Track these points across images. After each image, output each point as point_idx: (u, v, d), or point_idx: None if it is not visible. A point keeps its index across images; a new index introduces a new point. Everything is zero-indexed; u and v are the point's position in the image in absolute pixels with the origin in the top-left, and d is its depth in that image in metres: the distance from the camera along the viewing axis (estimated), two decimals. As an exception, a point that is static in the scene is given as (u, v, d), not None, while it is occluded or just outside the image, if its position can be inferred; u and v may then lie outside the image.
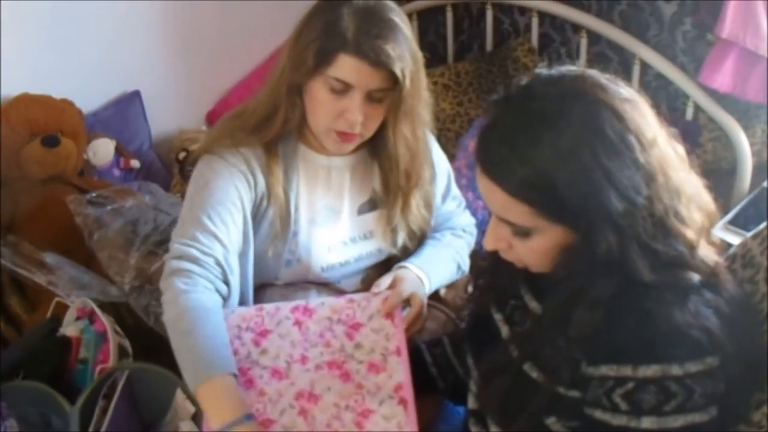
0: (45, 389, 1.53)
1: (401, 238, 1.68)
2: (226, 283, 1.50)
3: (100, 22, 2.41)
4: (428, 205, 1.70)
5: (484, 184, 1.13)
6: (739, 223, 2.08)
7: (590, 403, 1.13)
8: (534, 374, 1.19)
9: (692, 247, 1.12)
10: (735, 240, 1.76)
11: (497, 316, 1.35)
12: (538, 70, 1.16)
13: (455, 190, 1.82)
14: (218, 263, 1.47)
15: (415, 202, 1.65)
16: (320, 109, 1.48)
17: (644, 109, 1.11)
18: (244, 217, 1.54)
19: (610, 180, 1.04)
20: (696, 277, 1.11)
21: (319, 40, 1.43)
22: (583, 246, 1.10)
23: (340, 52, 1.41)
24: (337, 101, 1.45)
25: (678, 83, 2.32)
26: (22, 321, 1.99)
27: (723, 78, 2.19)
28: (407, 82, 1.44)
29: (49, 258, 1.94)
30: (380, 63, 1.40)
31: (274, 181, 1.55)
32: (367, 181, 1.66)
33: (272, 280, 1.67)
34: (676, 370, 1.05)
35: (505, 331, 1.32)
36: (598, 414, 1.12)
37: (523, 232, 1.13)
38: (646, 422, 1.07)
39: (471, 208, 2.02)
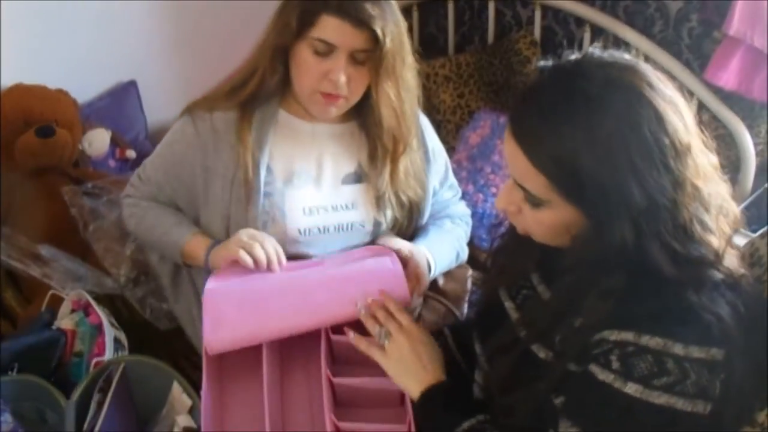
0: (40, 383, 1.52)
1: (389, 213, 1.69)
2: None
3: (95, 11, 2.38)
4: (418, 177, 1.71)
5: (509, 147, 1.13)
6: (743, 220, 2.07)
7: (588, 359, 1.13)
8: (542, 354, 1.19)
9: (717, 254, 1.11)
10: (737, 239, 1.75)
11: (508, 304, 1.34)
12: (591, 49, 1.14)
13: (452, 178, 1.86)
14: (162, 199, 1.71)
15: (403, 168, 1.67)
16: (305, 71, 1.53)
17: (685, 113, 1.09)
18: (196, 182, 1.65)
19: (636, 176, 1.04)
20: (718, 276, 1.10)
21: (301, 2, 1.48)
22: (595, 234, 1.09)
23: (323, 13, 1.46)
24: (322, 63, 1.50)
25: (682, 80, 2.30)
26: (17, 314, 1.97)
27: (729, 76, 2.18)
28: (388, 41, 1.48)
29: (44, 250, 1.93)
30: (362, 22, 1.46)
31: (242, 147, 1.59)
32: (353, 152, 1.69)
33: None
34: (678, 348, 1.05)
35: (516, 319, 1.32)
36: (591, 367, 1.11)
37: (535, 202, 1.14)
38: (631, 388, 1.07)
39: (471, 201, 2.03)
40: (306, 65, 1.52)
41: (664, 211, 1.06)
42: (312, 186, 1.65)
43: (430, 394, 1.28)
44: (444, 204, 1.83)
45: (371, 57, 1.51)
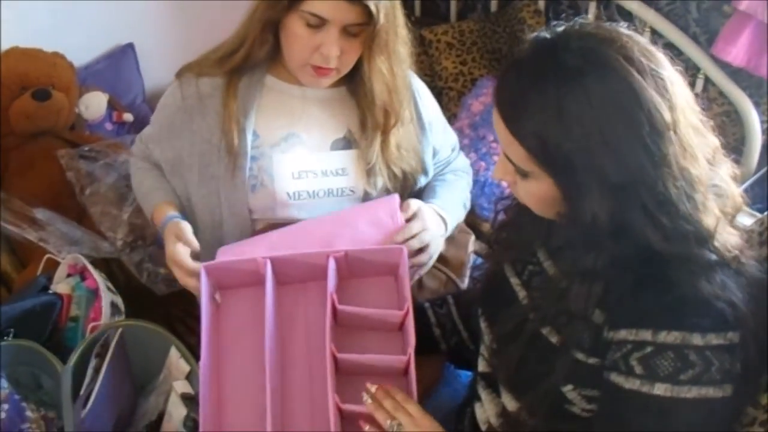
0: (36, 348, 1.50)
1: (380, 180, 1.68)
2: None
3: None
4: (411, 147, 1.70)
5: (495, 116, 1.13)
6: (746, 200, 2.06)
7: (608, 367, 1.12)
8: (554, 339, 1.18)
9: (708, 231, 1.09)
10: (742, 218, 1.74)
11: (514, 281, 1.33)
12: (579, 19, 1.13)
13: (452, 137, 1.86)
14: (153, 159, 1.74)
15: (395, 141, 1.65)
16: (296, 44, 1.51)
17: (673, 90, 1.06)
18: (183, 147, 1.65)
19: (608, 151, 1.03)
20: (712, 257, 1.09)
21: None
22: (570, 210, 1.10)
23: None
24: (313, 36, 1.49)
25: (689, 54, 2.28)
26: (12, 279, 1.97)
27: (737, 51, 2.15)
28: (381, 17, 1.46)
29: (40, 214, 1.93)
30: None
31: (226, 114, 1.59)
32: (342, 118, 1.67)
33: (247, 215, 1.65)
34: (697, 339, 1.04)
35: (522, 295, 1.30)
36: (613, 377, 1.11)
37: (521, 172, 1.13)
38: (659, 388, 1.06)
39: (473, 169, 2.01)
40: (297, 38, 1.50)
41: (644, 188, 1.04)
42: (300, 150, 1.64)
43: None
44: (446, 161, 1.84)
45: (364, 30, 1.49)
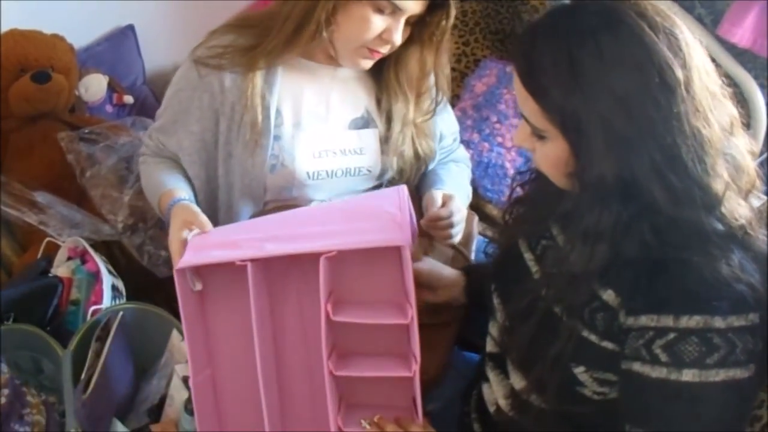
0: (36, 332, 1.49)
1: (396, 162, 1.69)
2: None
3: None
4: (430, 131, 1.73)
5: (513, 73, 1.14)
6: (761, 176, 2.04)
7: (629, 356, 1.11)
8: (565, 317, 1.17)
9: (717, 197, 1.08)
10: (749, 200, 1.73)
11: (527, 256, 1.32)
12: None
13: (456, 125, 1.88)
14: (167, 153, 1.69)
15: (423, 124, 1.69)
16: (361, 27, 1.49)
17: (686, 49, 1.06)
18: (206, 128, 1.62)
19: (618, 106, 1.03)
20: (719, 227, 1.08)
21: None
22: (578, 167, 1.09)
23: None
24: (381, 21, 1.49)
25: (694, 35, 2.25)
26: (12, 263, 1.96)
27: (743, 33, 2.13)
28: (452, 12, 1.50)
29: (40, 197, 1.92)
30: None
31: (252, 89, 1.57)
32: (360, 96, 1.69)
33: (261, 196, 1.65)
34: (719, 322, 1.03)
35: (535, 270, 1.29)
36: (637, 367, 1.09)
37: (538, 133, 1.13)
38: (688, 375, 1.05)
39: (476, 150, 2.01)
40: (364, 22, 1.48)
41: (653, 142, 1.04)
42: (321, 129, 1.65)
43: None
44: (449, 150, 1.85)
45: (428, 24, 1.53)
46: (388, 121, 1.66)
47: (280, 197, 1.66)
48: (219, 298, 1.35)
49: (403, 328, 1.28)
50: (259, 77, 1.58)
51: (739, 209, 1.11)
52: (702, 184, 1.06)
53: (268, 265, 1.29)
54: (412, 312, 1.24)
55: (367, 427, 1.27)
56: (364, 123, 1.68)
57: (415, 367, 1.23)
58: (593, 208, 1.08)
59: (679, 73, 1.04)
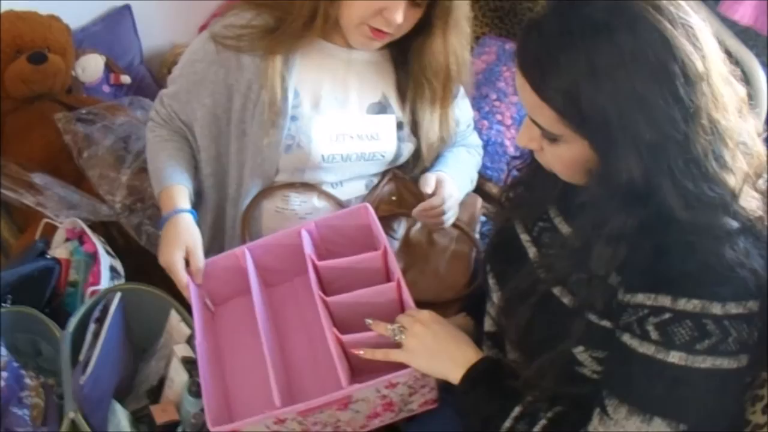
0: (34, 314, 1.49)
1: (409, 146, 1.71)
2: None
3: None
4: (452, 118, 1.73)
5: (519, 81, 1.10)
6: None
7: (621, 327, 1.10)
8: (566, 300, 1.16)
9: (733, 194, 1.06)
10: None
11: (524, 237, 1.31)
12: None
13: (470, 113, 1.87)
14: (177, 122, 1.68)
15: (448, 114, 1.70)
16: (361, 2, 1.49)
17: (703, 39, 1.03)
18: (218, 103, 1.61)
19: (641, 106, 0.99)
20: (734, 224, 1.06)
21: None
22: (604, 169, 1.06)
23: None
24: None
25: (699, 15, 2.22)
26: (9, 245, 1.95)
27: (745, 9, 2.11)
28: None
29: (37, 178, 1.90)
30: None
31: (271, 68, 1.56)
32: (377, 81, 1.68)
33: (272, 176, 1.65)
34: (716, 308, 1.02)
35: (532, 252, 1.28)
36: (626, 338, 1.08)
37: (550, 137, 1.10)
38: (674, 357, 1.04)
39: (476, 127, 2.00)
40: None
41: (674, 144, 1.01)
42: (338, 112, 1.64)
43: (474, 374, 1.22)
44: (462, 135, 1.85)
45: (433, 5, 1.51)
46: (413, 109, 1.67)
47: (292, 178, 1.66)
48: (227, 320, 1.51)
49: (395, 305, 1.36)
50: (279, 57, 1.57)
51: (752, 202, 1.09)
52: (717, 181, 1.04)
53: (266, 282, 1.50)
54: (384, 243, 1.39)
55: (369, 322, 1.29)
56: (381, 108, 1.68)
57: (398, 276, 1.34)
58: (620, 210, 1.06)
59: (701, 66, 1.01)
